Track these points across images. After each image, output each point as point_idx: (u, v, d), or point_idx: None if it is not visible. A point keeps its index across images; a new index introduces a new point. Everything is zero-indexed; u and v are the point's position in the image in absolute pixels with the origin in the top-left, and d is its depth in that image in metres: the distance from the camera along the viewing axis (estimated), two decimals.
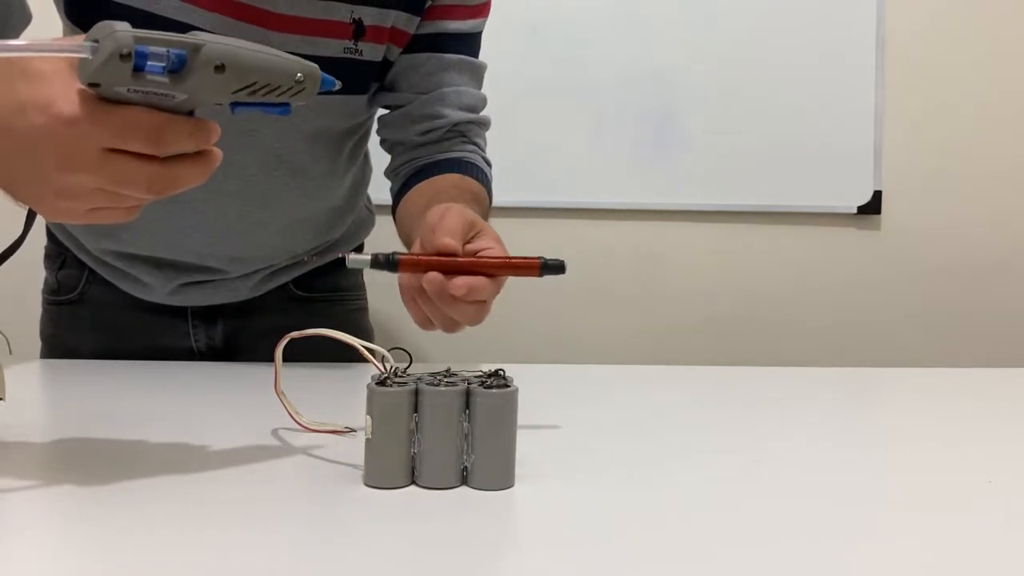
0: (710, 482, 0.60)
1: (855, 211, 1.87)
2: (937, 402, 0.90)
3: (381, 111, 1.01)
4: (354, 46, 0.90)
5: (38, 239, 1.07)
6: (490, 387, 0.55)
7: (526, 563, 0.47)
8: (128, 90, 0.50)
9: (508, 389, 0.56)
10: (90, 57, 0.48)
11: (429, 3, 0.94)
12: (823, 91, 1.84)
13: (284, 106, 0.56)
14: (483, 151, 1.00)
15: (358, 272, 1.16)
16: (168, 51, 0.49)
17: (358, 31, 0.90)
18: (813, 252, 1.89)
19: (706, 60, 1.83)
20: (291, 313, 1.06)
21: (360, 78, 0.94)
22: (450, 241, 0.67)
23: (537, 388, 0.85)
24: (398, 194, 0.97)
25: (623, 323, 1.88)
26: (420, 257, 0.67)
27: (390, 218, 0.97)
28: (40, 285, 1.08)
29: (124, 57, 0.48)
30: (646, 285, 1.88)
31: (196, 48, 0.50)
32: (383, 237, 0.94)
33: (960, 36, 1.88)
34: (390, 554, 0.46)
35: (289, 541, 0.47)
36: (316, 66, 0.56)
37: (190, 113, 0.53)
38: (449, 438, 0.55)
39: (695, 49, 1.83)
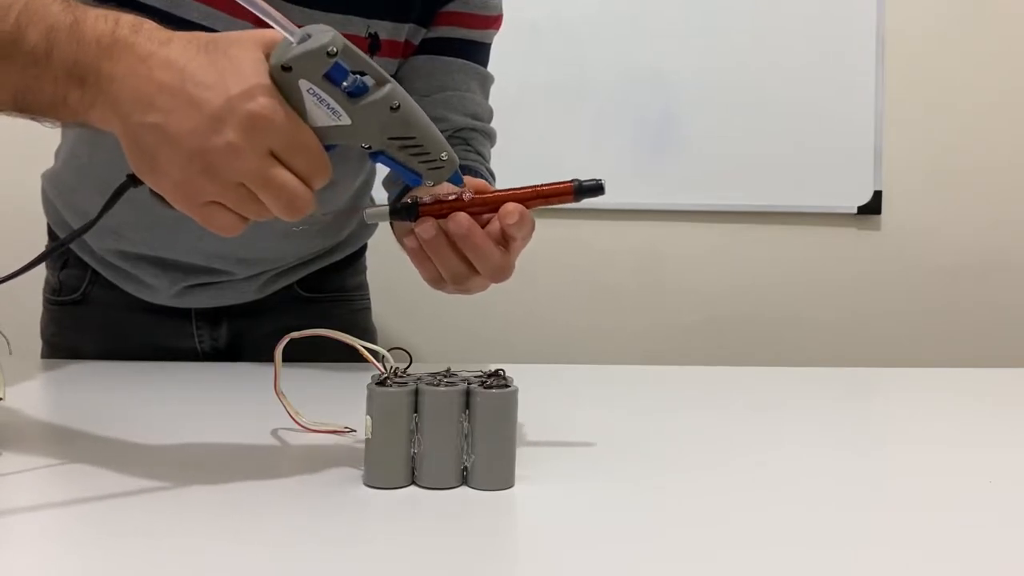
0: (710, 482, 0.60)
1: (855, 211, 1.87)
2: (937, 402, 0.90)
3: None
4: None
5: (39, 239, 1.07)
6: (490, 387, 0.55)
7: (526, 563, 0.47)
8: (308, 91, 0.52)
9: (508, 389, 0.56)
10: (295, 43, 0.51)
11: (438, 10, 0.93)
12: (823, 91, 1.84)
13: (417, 176, 0.58)
14: (487, 162, 0.97)
15: (362, 273, 1.16)
16: (358, 77, 0.53)
17: (373, 46, 0.89)
18: (813, 252, 1.89)
19: (706, 60, 1.83)
20: (295, 314, 1.06)
21: None
22: (479, 182, 0.62)
23: (537, 388, 0.85)
24: (395, 201, 0.96)
25: (623, 323, 1.88)
26: (443, 201, 0.61)
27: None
28: (39, 284, 1.07)
29: (330, 55, 0.51)
30: (646, 285, 1.88)
31: (384, 82, 0.53)
32: (391, 238, 0.94)
33: (960, 36, 1.88)
34: (390, 554, 0.46)
35: (289, 541, 0.47)
36: (456, 157, 0.58)
37: (329, 147, 0.54)
38: (449, 438, 0.55)
39: (695, 49, 1.83)
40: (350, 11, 0.87)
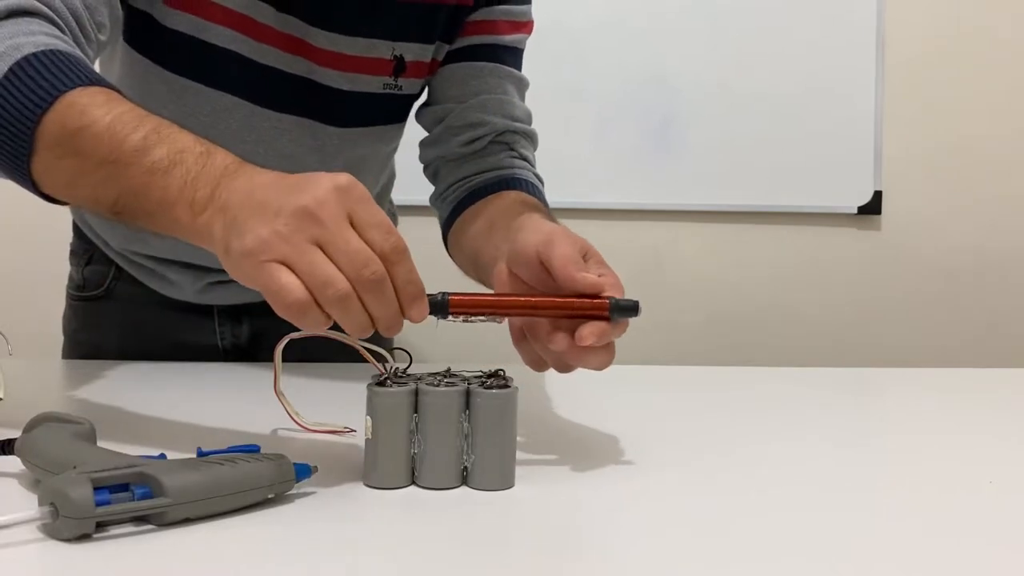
0: (710, 482, 0.60)
1: (855, 211, 1.87)
2: (937, 402, 0.90)
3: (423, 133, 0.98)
4: (394, 82, 0.90)
5: (63, 236, 1.07)
6: (490, 387, 0.56)
7: (526, 563, 0.47)
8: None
9: (508, 389, 0.56)
10: (51, 522, 0.46)
11: (464, 20, 0.91)
12: (823, 92, 1.84)
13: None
14: (533, 166, 0.95)
15: None
16: (130, 486, 0.47)
17: (399, 67, 0.89)
18: (813, 252, 1.89)
19: (706, 60, 1.83)
20: None
21: (399, 110, 0.94)
22: (593, 278, 0.61)
23: (537, 388, 0.86)
24: (449, 219, 0.91)
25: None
26: (473, 298, 0.59)
27: (413, 219, 0.95)
28: (57, 282, 1.07)
29: (85, 521, 0.45)
30: (646, 285, 1.88)
31: (161, 499, 0.47)
32: (408, 239, 0.93)
33: (960, 37, 1.87)
34: (390, 554, 0.46)
35: (289, 541, 0.47)
36: (289, 467, 0.53)
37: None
38: (449, 438, 0.55)
39: (696, 49, 1.83)
40: (375, 35, 0.87)
